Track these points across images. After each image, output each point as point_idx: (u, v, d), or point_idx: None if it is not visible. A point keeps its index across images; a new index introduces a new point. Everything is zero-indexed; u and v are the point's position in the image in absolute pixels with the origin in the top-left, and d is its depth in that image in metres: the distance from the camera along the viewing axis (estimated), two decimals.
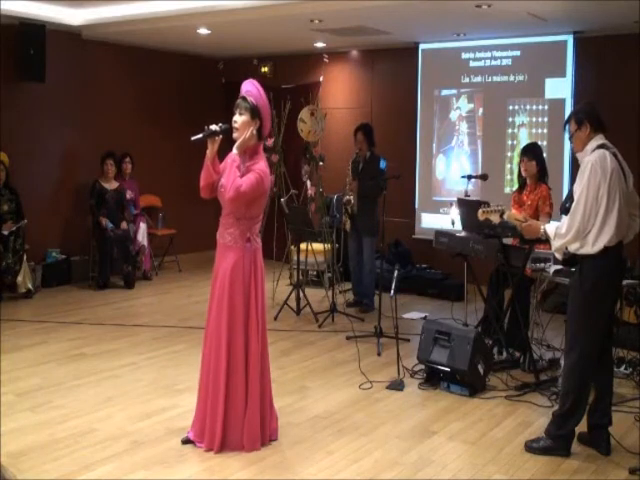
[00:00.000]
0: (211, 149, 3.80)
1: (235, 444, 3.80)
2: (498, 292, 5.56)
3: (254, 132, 3.77)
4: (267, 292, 7.36)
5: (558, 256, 3.93)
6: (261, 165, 3.79)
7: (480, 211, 4.24)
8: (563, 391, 3.87)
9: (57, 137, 8.21)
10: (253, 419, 3.81)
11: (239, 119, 3.77)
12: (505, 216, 4.13)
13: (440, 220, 7.97)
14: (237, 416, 3.79)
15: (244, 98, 3.80)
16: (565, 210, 3.95)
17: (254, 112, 3.77)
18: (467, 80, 8.10)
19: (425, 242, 7.72)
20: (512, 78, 7.79)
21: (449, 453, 3.88)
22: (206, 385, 3.84)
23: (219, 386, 3.76)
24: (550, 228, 3.81)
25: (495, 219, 4.21)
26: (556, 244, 3.76)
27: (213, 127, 3.79)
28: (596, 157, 3.63)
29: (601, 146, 3.68)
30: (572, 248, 3.73)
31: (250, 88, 3.86)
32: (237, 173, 3.70)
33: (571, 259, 3.83)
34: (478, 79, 8.03)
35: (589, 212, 3.60)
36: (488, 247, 5.22)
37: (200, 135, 3.81)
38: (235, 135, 3.78)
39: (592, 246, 3.64)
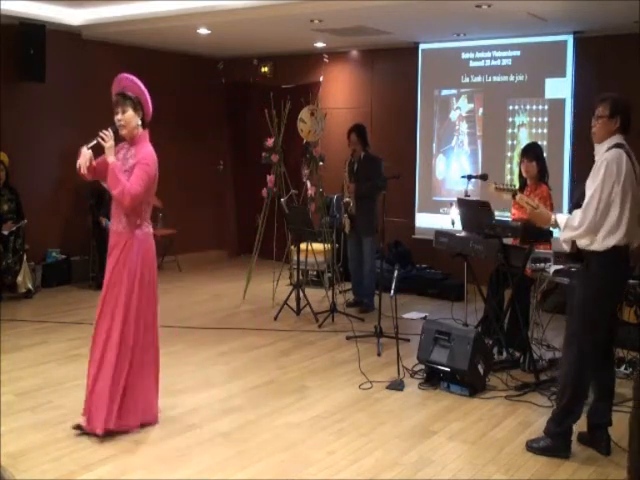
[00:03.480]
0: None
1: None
2: (498, 292, 5.56)
3: (139, 122, 3.95)
4: (267, 292, 7.48)
5: (566, 247, 3.90)
6: (145, 152, 3.94)
7: (493, 186, 4.25)
8: (561, 386, 3.87)
9: (57, 137, 8.20)
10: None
11: (123, 116, 3.92)
12: (517, 197, 4.13)
13: (440, 220, 7.97)
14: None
15: (123, 94, 3.94)
16: (576, 205, 3.94)
17: (136, 105, 3.93)
18: (467, 80, 8.10)
19: (425, 242, 7.71)
20: (512, 78, 7.79)
21: (449, 453, 3.88)
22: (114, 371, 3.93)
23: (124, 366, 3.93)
24: (561, 218, 3.80)
25: (507, 197, 4.23)
26: (565, 235, 3.76)
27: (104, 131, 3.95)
28: (613, 156, 3.63)
29: (618, 145, 3.68)
30: (580, 243, 3.73)
31: (126, 83, 4.02)
32: (123, 178, 3.86)
33: (577, 254, 3.83)
34: (478, 79, 8.03)
35: (602, 210, 3.60)
36: (488, 247, 5.21)
37: (94, 141, 3.95)
38: (123, 132, 3.94)
39: (601, 243, 3.64)
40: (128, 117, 3.92)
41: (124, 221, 3.95)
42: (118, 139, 4.01)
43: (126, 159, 3.97)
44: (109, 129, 3.92)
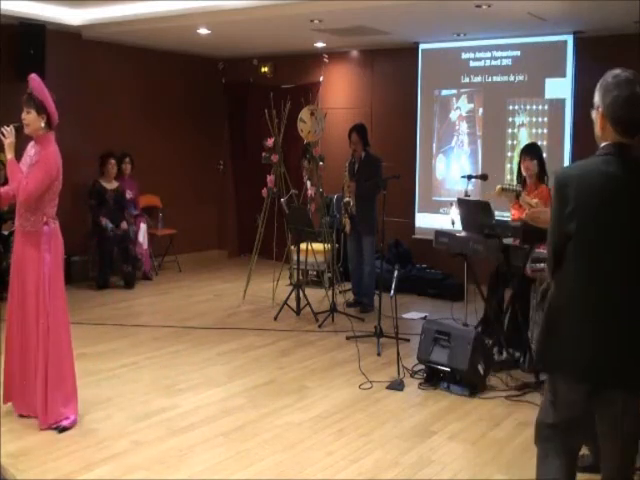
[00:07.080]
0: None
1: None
2: (498, 292, 5.56)
3: (42, 125, 4.11)
4: (267, 292, 7.48)
5: None
6: (47, 152, 4.10)
7: (499, 187, 4.28)
8: None
9: (57, 137, 8.16)
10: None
11: (27, 116, 4.11)
12: (520, 199, 4.16)
13: (440, 220, 7.97)
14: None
15: (29, 95, 4.13)
16: None
17: (39, 107, 4.10)
18: (467, 80, 8.09)
19: (425, 242, 7.71)
20: (512, 78, 7.79)
21: (449, 453, 3.89)
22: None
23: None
24: None
25: (510, 199, 4.26)
26: None
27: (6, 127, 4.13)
28: None
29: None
30: None
31: (34, 85, 4.19)
32: (21, 173, 4.02)
33: None
34: (478, 79, 8.03)
35: None
36: (488, 247, 5.21)
37: None
38: (26, 131, 4.12)
39: None
40: (31, 118, 4.09)
41: (32, 220, 4.03)
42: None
43: (30, 156, 4.12)
44: (11, 126, 4.10)
